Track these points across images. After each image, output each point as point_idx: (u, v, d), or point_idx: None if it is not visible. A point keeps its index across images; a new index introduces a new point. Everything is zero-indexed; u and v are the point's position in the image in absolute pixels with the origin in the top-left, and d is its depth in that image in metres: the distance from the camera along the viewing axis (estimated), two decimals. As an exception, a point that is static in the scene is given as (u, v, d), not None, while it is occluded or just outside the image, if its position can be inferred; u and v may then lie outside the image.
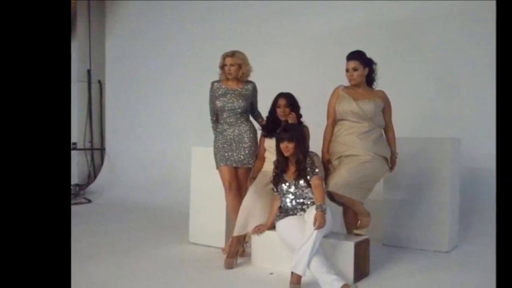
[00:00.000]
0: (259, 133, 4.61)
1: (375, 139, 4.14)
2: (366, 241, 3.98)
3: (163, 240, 5.24)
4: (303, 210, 3.86)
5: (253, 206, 4.19)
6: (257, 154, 4.54)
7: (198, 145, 5.24)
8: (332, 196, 4.07)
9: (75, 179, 9.14)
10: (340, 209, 4.33)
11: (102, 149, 9.77)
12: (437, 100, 6.08)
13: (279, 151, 3.92)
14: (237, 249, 4.27)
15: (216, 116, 4.66)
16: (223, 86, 4.55)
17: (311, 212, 3.63)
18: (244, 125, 4.54)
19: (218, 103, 4.51)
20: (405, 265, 4.26)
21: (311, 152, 3.98)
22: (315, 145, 4.26)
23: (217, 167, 4.57)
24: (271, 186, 4.06)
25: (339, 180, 3.96)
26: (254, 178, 4.46)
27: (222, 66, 4.52)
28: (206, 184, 4.96)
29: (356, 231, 4.15)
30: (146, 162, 8.72)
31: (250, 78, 4.62)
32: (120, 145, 9.40)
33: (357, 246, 3.81)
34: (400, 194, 4.95)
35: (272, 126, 4.37)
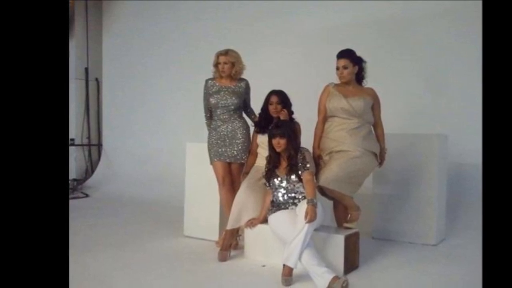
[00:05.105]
0: (252, 129, 4.66)
1: (365, 135, 4.18)
2: (356, 234, 4.03)
3: (158, 233, 5.29)
4: (295, 204, 3.91)
5: (246, 200, 4.24)
6: (250, 150, 4.60)
7: (192, 142, 5.28)
8: (322, 191, 4.12)
9: (73, 174, 9.20)
10: (330, 203, 4.37)
11: (99, 145, 9.81)
12: (425, 97, 6.13)
13: (271, 147, 3.96)
14: (231, 242, 4.33)
15: (210, 113, 4.70)
16: (217, 84, 4.60)
17: (303, 206, 3.67)
18: (237, 122, 4.60)
19: (212, 100, 4.56)
20: (394, 257, 4.31)
21: (303, 147, 4.02)
22: (307, 141, 4.31)
23: (211, 163, 4.62)
24: (264, 181, 4.10)
25: (329, 175, 4.00)
26: (247, 173, 4.52)
27: (216, 64, 4.56)
28: (200, 179, 5.00)
29: (346, 225, 4.20)
30: (142, 158, 8.75)
31: (243, 76, 4.66)
32: (117, 141, 9.43)
33: (347, 239, 3.86)
34: (389, 188, 5.01)
35: (265, 123, 4.42)
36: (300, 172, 3.88)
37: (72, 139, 9.29)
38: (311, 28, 7.00)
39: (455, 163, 5.65)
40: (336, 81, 4.34)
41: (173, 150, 7.80)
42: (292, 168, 3.91)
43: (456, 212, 5.49)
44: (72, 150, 9.25)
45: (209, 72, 4.68)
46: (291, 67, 7.01)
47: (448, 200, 5.20)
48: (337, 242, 3.84)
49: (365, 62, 4.32)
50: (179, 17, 8.50)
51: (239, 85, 4.62)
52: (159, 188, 7.84)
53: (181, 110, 8.31)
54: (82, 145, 9.54)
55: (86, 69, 9.59)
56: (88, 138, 9.65)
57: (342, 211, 4.31)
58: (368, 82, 4.40)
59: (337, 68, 4.24)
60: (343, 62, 4.20)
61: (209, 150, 4.64)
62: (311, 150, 4.20)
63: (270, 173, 4.02)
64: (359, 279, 3.71)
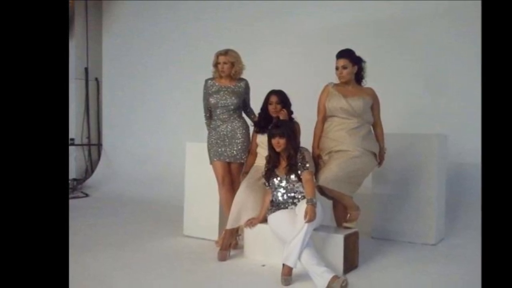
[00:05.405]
0: (251, 129, 4.67)
1: (364, 135, 4.19)
2: (355, 234, 4.04)
3: (158, 233, 5.30)
4: (294, 204, 3.92)
5: (246, 200, 4.25)
6: (250, 150, 4.61)
7: (192, 141, 5.29)
8: (322, 190, 4.12)
9: (73, 173, 9.20)
10: (330, 203, 4.38)
11: (99, 145, 9.82)
12: (425, 97, 6.14)
13: (270, 147, 3.97)
14: (230, 242, 4.34)
15: (209, 113, 4.71)
16: (217, 84, 4.61)
17: (302, 206, 3.68)
18: (236, 122, 4.60)
19: (212, 100, 4.57)
20: (393, 257, 4.32)
21: (302, 147, 4.03)
22: (306, 140, 4.32)
23: (211, 162, 4.63)
24: (263, 180, 4.11)
25: (329, 174, 4.01)
26: (247, 173, 4.53)
27: (216, 64, 4.57)
28: (200, 179, 5.01)
29: (345, 224, 4.21)
30: (142, 158, 8.76)
31: (243, 76, 4.67)
32: (117, 141, 9.44)
33: (347, 239, 3.87)
34: (389, 188, 5.01)
35: (264, 122, 4.43)
36: (299, 172, 3.89)
37: (72, 139, 9.29)
38: (311, 28, 7.01)
39: (455, 162, 5.65)
40: (336, 81, 4.35)
41: (173, 149, 7.79)
42: (292, 168, 3.92)
43: (456, 212, 5.49)
44: (72, 149, 9.26)
45: (209, 72, 4.69)
46: (291, 67, 7.02)
47: (447, 200, 5.20)
48: (337, 242, 3.85)
49: (364, 62, 4.32)
50: (179, 17, 8.50)
51: (239, 85, 4.62)
52: (159, 188, 7.84)
53: (181, 110, 8.31)
54: (82, 144, 9.54)
55: (86, 69, 9.59)
56: (88, 137, 9.65)
57: (342, 210, 4.31)
58: (367, 82, 4.40)
59: (337, 68, 4.24)
60: (342, 62, 4.21)
61: (209, 149, 4.64)
62: (310, 150, 4.20)
63: (269, 173, 4.03)
64: (359, 278, 3.71)
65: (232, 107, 4.56)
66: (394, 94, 5.93)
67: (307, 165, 3.88)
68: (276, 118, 4.34)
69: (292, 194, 3.96)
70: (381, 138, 4.39)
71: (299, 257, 3.52)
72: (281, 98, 4.41)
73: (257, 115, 4.64)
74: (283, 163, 3.99)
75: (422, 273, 3.90)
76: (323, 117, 4.31)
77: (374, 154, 4.27)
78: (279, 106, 4.39)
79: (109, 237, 5.12)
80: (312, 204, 3.65)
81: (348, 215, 4.25)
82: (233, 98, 4.56)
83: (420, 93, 6.17)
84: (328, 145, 4.21)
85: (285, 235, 3.68)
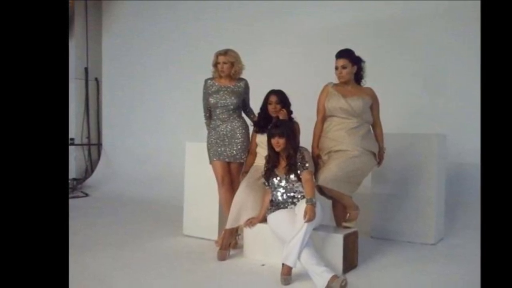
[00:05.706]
0: (251, 129, 4.67)
1: (363, 134, 4.19)
2: (355, 234, 4.04)
3: (158, 232, 5.30)
4: (294, 203, 3.92)
5: (245, 199, 4.25)
6: (249, 150, 4.60)
7: (192, 141, 5.29)
8: (321, 190, 4.13)
9: (72, 173, 9.21)
10: (329, 202, 4.39)
11: (99, 145, 9.82)
12: (424, 97, 6.15)
13: (270, 147, 3.97)
14: (230, 242, 4.34)
15: (209, 113, 4.71)
16: (216, 84, 4.61)
17: (301, 206, 3.67)
18: (236, 121, 4.61)
19: (211, 100, 4.57)
20: (393, 257, 4.32)
21: (302, 147, 4.03)
22: (306, 140, 4.32)
23: (210, 162, 4.63)
24: (263, 180, 4.11)
25: (328, 174, 4.02)
26: (246, 172, 4.53)
27: (215, 64, 4.57)
28: (200, 179, 5.01)
29: (345, 224, 4.21)
30: (142, 157, 8.76)
31: (243, 76, 4.67)
32: (117, 141, 9.44)
33: (346, 238, 3.87)
34: (388, 188, 5.01)
35: (264, 122, 4.43)
36: (299, 172, 3.89)
37: (72, 139, 9.29)
38: (311, 28, 7.01)
39: (454, 162, 5.66)
40: (335, 80, 4.35)
41: (173, 149, 7.78)
42: (291, 168, 3.92)
43: (455, 212, 5.49)
44: (72, 149, 9.26)
45: (209, 72, 4.69)
46: (290, 67, 7.02)
47: (447, 200, 5.20)
48: (336, 241, 3.85)
49: (364, 61, 4.33)
50: (179, 17, 8.51)
51: (238, 84, 4.63)
52: (158, 188, 7.84)
53: (181, 109, 8.31)
54: (82, 144, 9.55)
55: (86, 69, 9.59)
56: (88, 137, 9.65)
57: (341, 210, 4.32)
58: (367, 82, 4.41)
59: (336, 68, 4.24)
60: (342, 62, 4.21)
61: (209, 149, 4.65)
62: (310, 149, 4.21)
63: (269, 173, 4.03)
64: (358, 278, 3.72)
65: (231, 107, 4.57)
66: (394, 94, 5.93)
67: (307, 164, 3.88)
68: (276, 118, 4.35)
69: (292, 194, 3.96)
70: (380, 138, 4.39)
71: (298, 257, 3.52)
72: (281, 98, 4.41)
73: (256, 115, 4.64)
74: (283, 163, 3.99)
75: (421, 273, 3.90)
76: (323, 117, 4.32)
77: (374, 154, 4.28)
78: (278, 106, 4.39)
79: (109, 237, 5.12)
80: (311, 203, 3.65)
81: (348, 214, 4.26)
82: (233, 98, 4.56)
83: (420, 93, 6.17)
84: (327, 145, 4.22)
85: (285, 234, 3.68)
